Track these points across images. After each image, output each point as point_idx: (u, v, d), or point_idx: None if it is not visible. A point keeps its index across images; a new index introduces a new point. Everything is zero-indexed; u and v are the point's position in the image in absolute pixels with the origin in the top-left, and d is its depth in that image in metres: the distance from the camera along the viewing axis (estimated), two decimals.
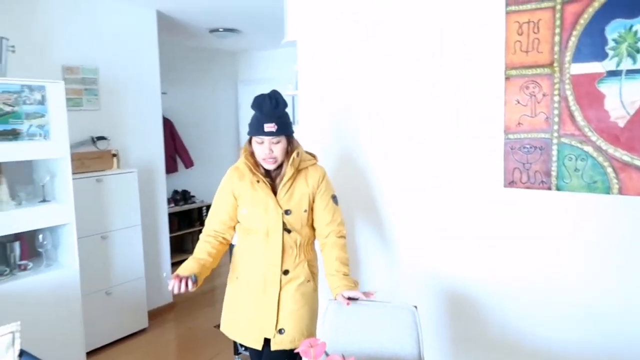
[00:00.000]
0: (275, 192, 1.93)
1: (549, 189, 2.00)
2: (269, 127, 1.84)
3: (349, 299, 1.81)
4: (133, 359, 3.21)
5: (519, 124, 2.05)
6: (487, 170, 2.14)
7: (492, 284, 2.17)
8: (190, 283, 1.78)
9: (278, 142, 1.88)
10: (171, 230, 5.17)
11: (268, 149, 1.87)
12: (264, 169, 1.95)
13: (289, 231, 1.92)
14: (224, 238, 2.00)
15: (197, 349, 3.31)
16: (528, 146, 2.04)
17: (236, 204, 1.97)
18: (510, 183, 2.09)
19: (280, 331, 1.92)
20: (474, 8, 2.10)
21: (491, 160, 2.12)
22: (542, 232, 2.04)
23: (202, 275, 1.87)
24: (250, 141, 1.94)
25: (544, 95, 1.99)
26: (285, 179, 1.91)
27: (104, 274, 3.30)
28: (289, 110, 2.01)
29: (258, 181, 1.92)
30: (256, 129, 1.87)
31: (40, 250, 2.81)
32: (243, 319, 1.98)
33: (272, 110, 1.85)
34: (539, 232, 2.04)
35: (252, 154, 1.94)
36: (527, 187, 2.05)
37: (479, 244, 2.19)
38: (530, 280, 2.08)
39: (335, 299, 1.85)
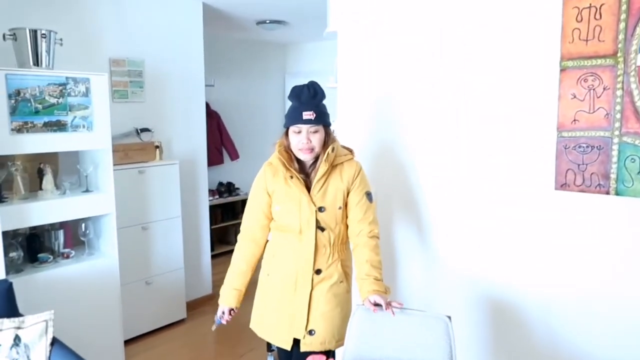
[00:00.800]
0: (309, 189, 1.86)
1: (607, 193, 1.80)
2: (308, 114, 1.79)
3: (375, 305, 1.71)
4: (170, 348, 3.25)
5: (574, 120, 1.86)
6: (536, 172, 1.96)
7: (540, 294, 1.99)
8: (233, 312, 1.97)
9: (316, 132, 1.82)
10: (215, 222, 5.25)
11: (306, 138, 1.80)
12: (298, 164, 1.88)
13: (322, 229, 1.85)
14: (260, 239, 1.96)
15: (233, 342, 3.31)
16: (584, 145, 1.84)
17: (270, 201, 1.91)
18: (562, 186, 1.90)
19: (311, 332, 1.86)
20: None
21: (541, 160, 1.94)
22: (598, 241, 1.84)
23: (242, 296, 1.97)
24: (286, 134, 1.88)
25: (604, 89, 1.79)
26: (319, 175, 1.84)
27: (144, 263, 3.35)
28: (330, 103, 1.94)
29: (292, 177, 1.85)
30: (294, 118, 1.82)
31: (82, 239, 2.88)
32: (273, 317, 1.93)
33: (310, 100, 1.81)
34: (593, 240, 1.85)
35: (287, 149, 1.88)
36: (582, 191, 1.85)
37: (526, 250, 2.01)
38: (583, 293, 1.89)
39: (363, 304, 1.75)
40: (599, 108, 1.80)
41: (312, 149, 1.82)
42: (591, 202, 1.84)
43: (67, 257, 2.79)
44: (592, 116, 1.82)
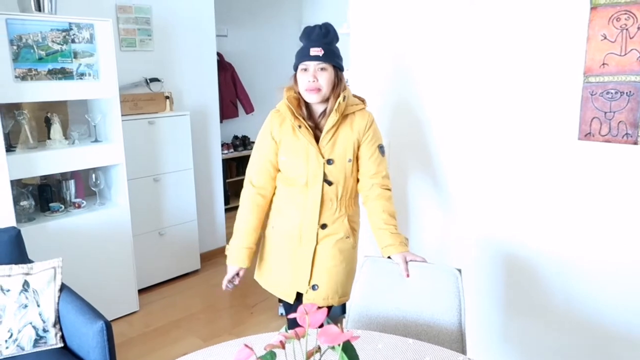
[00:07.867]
0: (318, 139, 1.76)
1: (635, 143, 1.67)
2: (315, 51, 1.68)
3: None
4: (184, 297, 3.30)
5: (603, 64, 1.71)
6: (559, 121, 1.83)
7: (558, 249, 1.91)
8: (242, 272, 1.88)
9: (324, 70, 1.70)
10: (230, 176, 5.23)
11: (312, 76, 1.69)
12: (307, 111, 1.77)
13: (329, 183, 1.76)
14: (269, 192, 1.86)
15: (246, 292, 3.34)
16: (613, 91, 1.70)
17: (277, 149, 1.81)
18: (586, 135, 1.78)
19: (314, 287, 1.82)
20: None
21: (565, 108, 1.81)
22: (622, 195, 1.73)
23: (253, 255, 1.88)
24: (295, 77, 1.76)
25: (638, 28, 1.63)
26: (329, 125, 1.73)
27: (157, 215, 3.36)
28: (344, 50, 1.81)
29: (300, 126, 1.74)
30: (301, 55, 1.73)
31: (94, 189, 2.88)
32: (277, 270, 1.89)
33: (320, 37, 1.70)
34: (617, 194, 1.74)
35: (295, 96, 1.77)
36: (607, 141, 1.73)
37: (545, 204, 1.92)
38: (604, 251, 1.80)
39: (389, 257, 1.67)
40: (631, 50, 1.65)
41: (319, 89, 1.70)
42: (617, 152, 1.72)
43: (79, 206, 2.80)
44: (623, 59, 1.67)
